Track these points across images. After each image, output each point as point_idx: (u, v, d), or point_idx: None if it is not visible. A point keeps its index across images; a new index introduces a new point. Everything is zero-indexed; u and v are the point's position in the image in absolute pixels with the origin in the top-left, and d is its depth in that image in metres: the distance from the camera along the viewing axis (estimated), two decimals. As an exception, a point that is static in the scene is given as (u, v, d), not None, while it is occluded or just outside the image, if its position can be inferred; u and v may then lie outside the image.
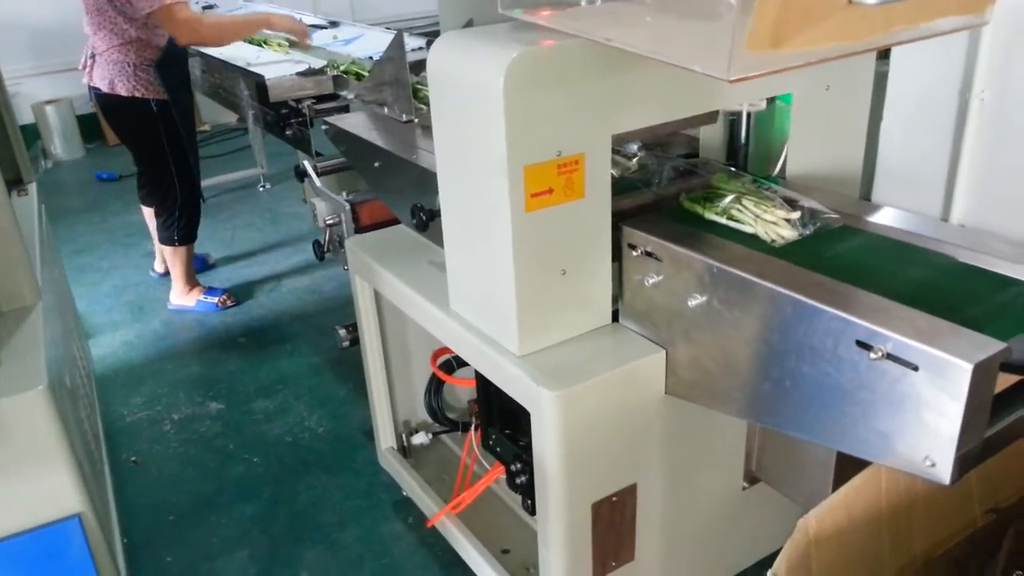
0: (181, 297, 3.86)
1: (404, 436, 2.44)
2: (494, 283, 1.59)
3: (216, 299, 3.85)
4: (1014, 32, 1.73)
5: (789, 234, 1.53)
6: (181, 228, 3.71)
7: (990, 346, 1.13)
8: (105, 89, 3.34)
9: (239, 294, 3.95)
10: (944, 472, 1.17)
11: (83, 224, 4.95)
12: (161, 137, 3.46)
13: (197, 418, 3.05)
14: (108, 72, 3.31)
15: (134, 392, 3.22)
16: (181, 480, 2.73)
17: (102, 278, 4.24)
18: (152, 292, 4.04)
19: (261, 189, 5.31)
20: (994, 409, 1.19)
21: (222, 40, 3.41)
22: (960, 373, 1.10)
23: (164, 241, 3.75)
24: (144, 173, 3.68)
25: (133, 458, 2.85)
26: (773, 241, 1.52)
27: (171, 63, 3.40)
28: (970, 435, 1.15)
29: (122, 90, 3.33)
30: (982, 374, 1.10)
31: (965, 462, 1.17)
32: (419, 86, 2.25)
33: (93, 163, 6.06)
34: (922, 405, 1.16)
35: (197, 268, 4.07)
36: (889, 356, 1.18)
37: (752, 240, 1.54)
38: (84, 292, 4.05)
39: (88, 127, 6.27)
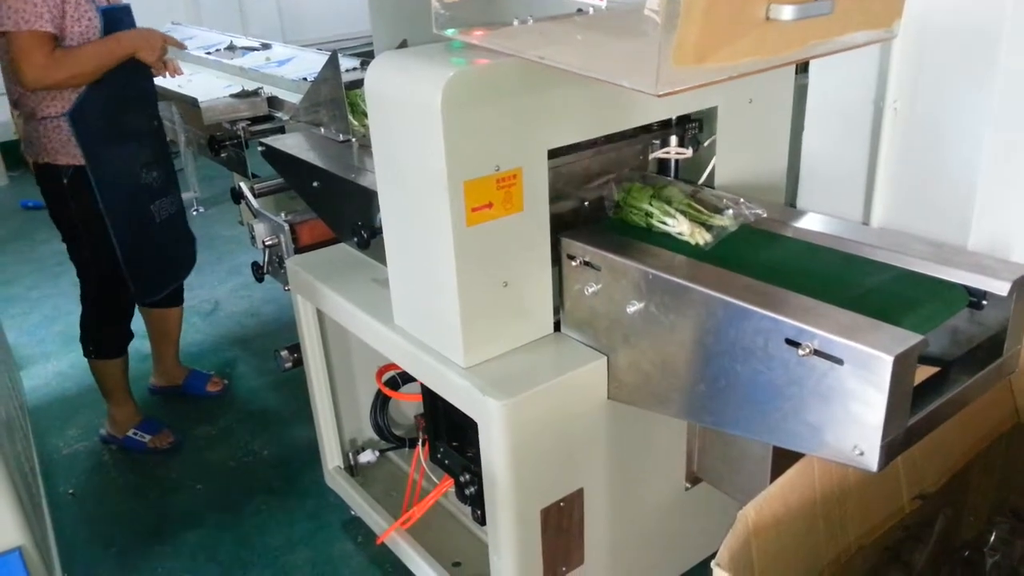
0: (112, 424, 2.94)
1: (351, 455, 2.44)
2: (438, 297, 1.61)
3: (148, 438, 2.90)
4: (921, 44, 1.83)
5: (725, 222, 1.60)
6: (91, 335, 2.75)
7: (909, 339, 1.20)
8: (23, 150, 2.55)
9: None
10: (872, 460, 1.23)
11: (9, 254, 4.81)
12: (72, 215, 2.54)
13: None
14: (22, 127, 2.50)
15: (70, 423, 3.14)
16: (122, 511, 2.68)
17: (31, 308, 4.13)
18: (84, 321, 3.95)
19: (195, 212, 5.24)
20: (915, 399, 1.26)
21: (83, 78, 2.39)
22: (882, 365, 1.17)
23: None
24: None
25: (71, 491, 2.78)
26: (706, 244, 1.58)
27: (92, 111, 2.45)
28: (894, 423, 1.22)
29: (32, 154, 2.53)
30: (902, 365, 1.18)
31: (891, 449, 1.24)
32: (354, 106, 2.27)
33: (18, 191, 5.90)
34: (848, 397, 1.23)
35: (196, 394, 3.20)
36: (816, 352, 1.24)
37: (684, 245, 1.60)
38: (13, 323, 3.94)
39: (11, 154, 6.09)
